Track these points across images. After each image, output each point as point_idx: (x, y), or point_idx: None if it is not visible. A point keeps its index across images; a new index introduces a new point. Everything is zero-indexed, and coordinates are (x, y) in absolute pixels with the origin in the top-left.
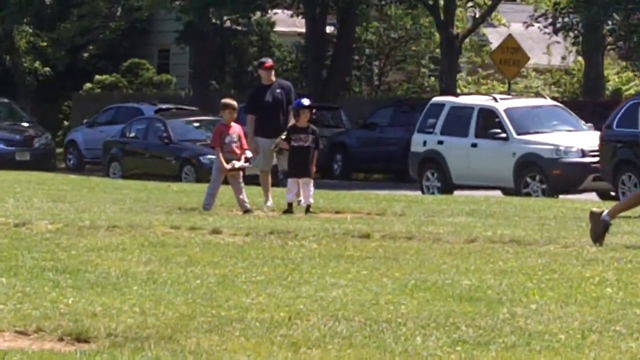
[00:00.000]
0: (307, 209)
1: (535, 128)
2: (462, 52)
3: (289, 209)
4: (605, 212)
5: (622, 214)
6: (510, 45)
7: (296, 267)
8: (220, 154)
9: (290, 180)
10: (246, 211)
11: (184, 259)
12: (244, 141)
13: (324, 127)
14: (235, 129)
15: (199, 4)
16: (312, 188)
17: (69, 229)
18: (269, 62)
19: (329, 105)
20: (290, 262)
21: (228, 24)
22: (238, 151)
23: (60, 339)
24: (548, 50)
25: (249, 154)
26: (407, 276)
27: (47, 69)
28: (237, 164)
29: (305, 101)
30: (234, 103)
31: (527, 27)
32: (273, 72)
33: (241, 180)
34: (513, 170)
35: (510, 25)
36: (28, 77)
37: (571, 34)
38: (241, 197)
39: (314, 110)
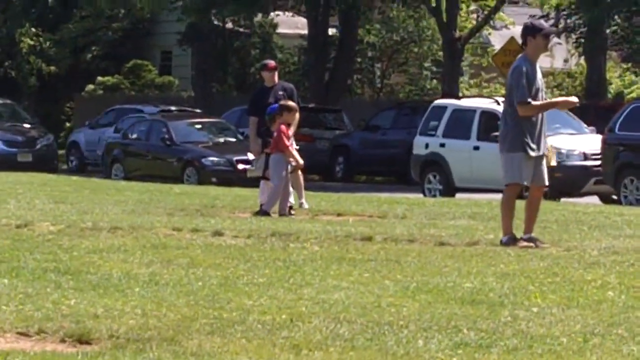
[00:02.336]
0: (289, 210)
1: None
2: (465, 55)
3: (261, 211)
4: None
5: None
6: (513, 48)
7: (298, 269)
8: (294, 152)
9: (264, 182)
10: (289, 214)
11: (185, 260)
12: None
13: (326, 129)
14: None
15: (201, 5)
16: (290, 189)
17: (71, 231)
18: (273, 63)
19: (331, 108)
20: (292, 265)
21: (230, 25)
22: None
23: (62, 341)
24: (551, 52)
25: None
26: (409, 279)
27: (52, 67)
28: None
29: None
30: (296, 106)
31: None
32: (276, 74)
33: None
34: None
35: (513, 26)
36: (31, 78)
37: (573, 36)
38: (288, 200)
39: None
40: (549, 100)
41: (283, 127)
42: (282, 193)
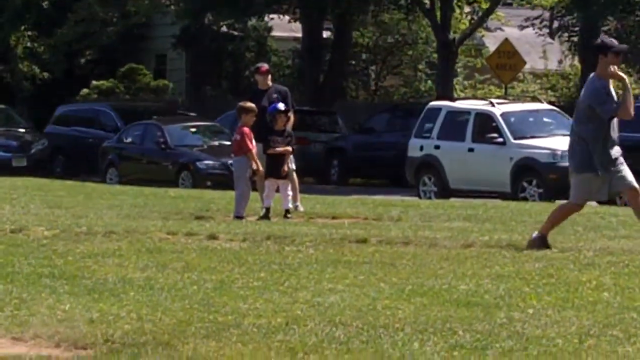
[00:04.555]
0: (285, 214)
1: (532, 132)
2: (459, 57)
3: (266, 214)
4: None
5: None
6: (507, 50)
7: (293, 272)
8: (256, 157)
9: (267, 184)
10: (238, 217)
11: (180, 264)
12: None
13: (320, 132)
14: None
15: (195, 8)
16: (289, 192)
17: (66, 235)
18: (265, 66)
19: (326, 110)
20: (287, 268)
21: (225, 29)
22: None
23: (58, 345)
24: (544, 54)
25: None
26: (404, 281)
27: (46, 73)
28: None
29: (281, 106)
30: (255, 107)
31: (522, 29)
32: (269, 77)
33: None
34: (510, 174)
35: (508, 26)
36: (25, 82)
37: (566, 35)
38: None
39: (289, 114)
40: (625, 94)
41: (245, 129)
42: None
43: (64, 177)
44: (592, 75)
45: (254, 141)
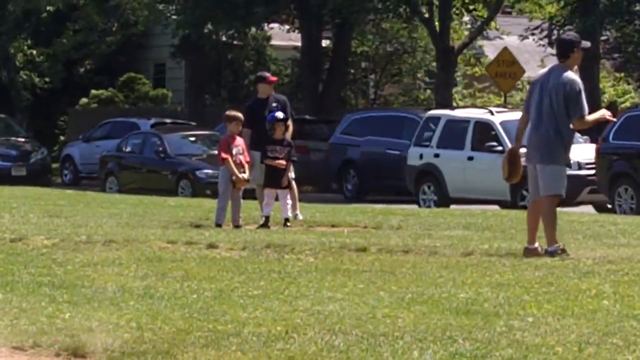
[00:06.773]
0: (285, 223)
1: None
2: (458, 65)
3: (265, 223)
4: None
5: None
6: (506, 58)
7: (293, 281)
8: (233, 165)
9: (266, 192)
10: (237, 226)
11: (180, 273)
12: (246, 153)
13: (320, 140)
14: (239, 141)
15: (195, 19)
16: (289, 201)
17: (66, 244)
18: (273, 77)
19: (325, 119)
20: (286, 276)
21: (224, 38)
22: (244, 162)
23: (57, 355)
24: (542, 63)
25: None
26: (404, 290)
27: (47, 79)
28: (245, 176)
29: (280, 114)
30: (240, 115)
31: (522, 39)
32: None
33: (241, 194)
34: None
35: (508, 36)
36: (24, 92)
37: None
38: (238, 211)
39: (288, 123)
40: (598, 113)
41: (224, 138)
42: (234, 204)
43: (359, 197)
44: (562, 67)
45: (235, 148)
